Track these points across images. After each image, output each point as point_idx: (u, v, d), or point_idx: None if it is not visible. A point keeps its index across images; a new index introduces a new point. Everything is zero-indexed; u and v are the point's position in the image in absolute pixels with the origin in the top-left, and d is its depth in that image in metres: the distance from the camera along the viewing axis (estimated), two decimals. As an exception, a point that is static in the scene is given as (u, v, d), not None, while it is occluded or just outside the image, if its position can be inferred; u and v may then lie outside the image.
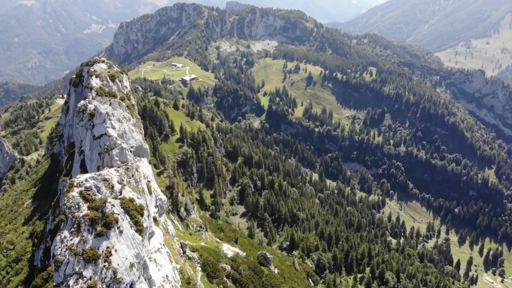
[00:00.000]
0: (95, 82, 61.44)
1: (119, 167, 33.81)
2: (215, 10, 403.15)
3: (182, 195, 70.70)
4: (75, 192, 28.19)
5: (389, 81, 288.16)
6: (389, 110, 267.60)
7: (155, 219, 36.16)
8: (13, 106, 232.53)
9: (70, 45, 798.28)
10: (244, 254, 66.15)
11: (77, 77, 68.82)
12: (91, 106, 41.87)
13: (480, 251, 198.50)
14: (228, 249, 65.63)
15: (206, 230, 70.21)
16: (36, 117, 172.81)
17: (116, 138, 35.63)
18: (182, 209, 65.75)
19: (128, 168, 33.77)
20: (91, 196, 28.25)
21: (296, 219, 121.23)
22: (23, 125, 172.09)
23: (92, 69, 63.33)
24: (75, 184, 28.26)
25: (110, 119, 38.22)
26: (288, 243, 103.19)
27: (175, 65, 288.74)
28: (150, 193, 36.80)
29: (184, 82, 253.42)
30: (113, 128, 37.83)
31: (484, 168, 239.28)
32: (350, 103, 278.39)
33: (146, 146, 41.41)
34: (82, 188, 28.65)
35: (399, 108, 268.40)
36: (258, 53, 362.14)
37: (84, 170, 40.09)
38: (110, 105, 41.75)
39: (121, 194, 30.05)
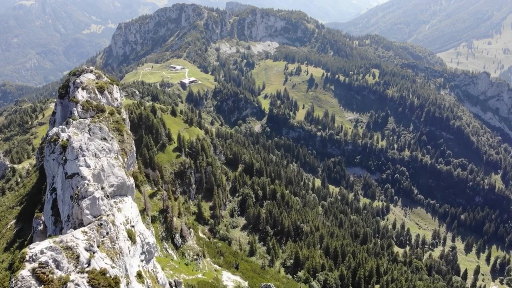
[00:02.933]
0: (81, 95, 55.75)
1: (90, 223, 27.81)
2: (215, 11, 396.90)
3: (179, 216, 64.79)
4: (26, 271, 21.49)
5: (392, 83, 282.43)
6: (393, 113, 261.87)
7: (139, 275, 30.35)
8: (7, 110, 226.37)
9: (69, 46, 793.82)
10: (246, 283, 60.40)
11: (63, 87, 63.08)
12: (64, 136, 35.78)
13: (487, 259, 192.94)
14: (228, 279, 59.79)
15: (204, 257, 64.47)
16: (30, 122, 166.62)
17: (88, 184, 29.45)
18: (177, 236, 59.85)
19: (101, 224, 27.71)
20: (47, 275, 21.44)
21: (300, 232, 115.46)
22: (16, 131, 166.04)
23: (78, 80, 57.56)
24: (27, 258, 21.76)
25: (84, 155, 32.08)
26: (292, 261, 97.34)
27: (174, 67, 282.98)
28: (134, 242, 30.97)
29: (183, 85, 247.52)
30: (87, 166, 31.80)
31: (490, 173, 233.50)
32: (353, 106, 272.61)
33: (131, 182, 35.44)
34: (36, 264, 21.93)
35: (403, 111, 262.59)
36: (259, 54, 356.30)
37: (55, 213, 34.10)
38: (89, 131, 35.72)
39: (89, 265, 23.72)
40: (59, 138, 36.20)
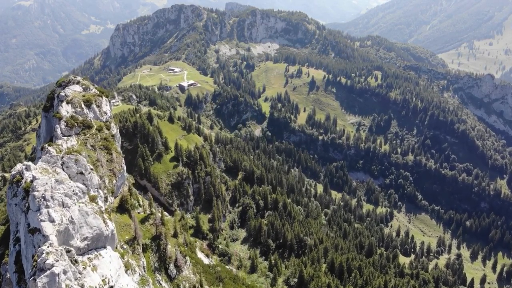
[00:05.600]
0: (65, 109, 50.62)
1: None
2: (215, 12, 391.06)
3: (175, 236, 59.74)
4: None
5: (395, 86, 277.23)
6: (396, 116, 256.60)
7: None
8: (1, 114, 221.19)
9: (68, 46, 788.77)
10: (248, 316, 55.57)
11: (48, 100, 57.97)
12: (28, 176, 30.23)
13: (493, 267, 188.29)
14: (228, 312, 54.95)
15: (202, 287, 59.50)
16: (23, 128, 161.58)
17: (48, 252, 23.90)
18: (172, 266, 54.52)
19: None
20: None
21: (303, 245, 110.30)
22: (9, 137, 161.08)
23: (62, 93, 52.41)
24: None
25: (48, 206, 26.44)
26: (296, 280, 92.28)
27: (172, 70, 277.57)
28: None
29: (181, 88, 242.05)
30: (52, 221, 26.20)
31: (496, 179, 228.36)
32: (355, 109, 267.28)
33: (109, 229, 29.92)
34: None
35: (406, 114, 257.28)
36: (259, 56, 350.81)
37: (19, 269, 28.64)
38: (62, 165, 30.40)
39: None
40: (22, 178, 30.71)
